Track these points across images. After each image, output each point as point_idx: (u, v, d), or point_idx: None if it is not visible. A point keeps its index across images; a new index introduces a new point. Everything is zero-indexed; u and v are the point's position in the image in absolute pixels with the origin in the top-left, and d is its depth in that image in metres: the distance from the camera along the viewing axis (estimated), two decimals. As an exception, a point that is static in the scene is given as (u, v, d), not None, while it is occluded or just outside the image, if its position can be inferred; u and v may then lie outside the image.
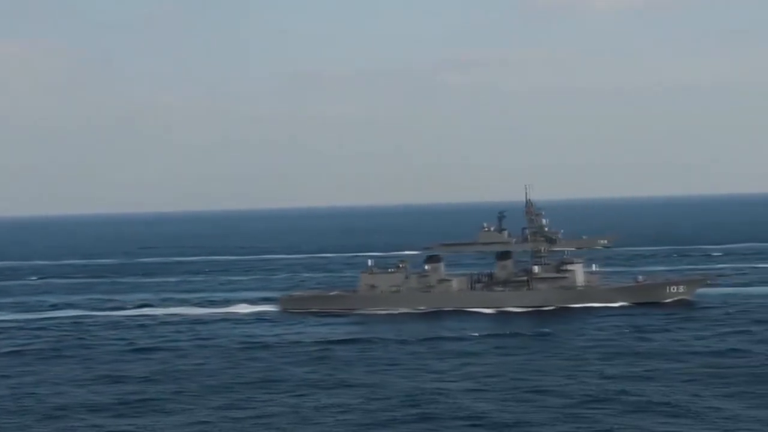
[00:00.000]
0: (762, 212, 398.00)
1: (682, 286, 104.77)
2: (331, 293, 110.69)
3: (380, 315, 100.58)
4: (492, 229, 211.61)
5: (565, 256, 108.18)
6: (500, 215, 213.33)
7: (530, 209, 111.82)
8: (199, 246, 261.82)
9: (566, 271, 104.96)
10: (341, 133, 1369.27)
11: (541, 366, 64.94)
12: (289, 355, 72.68)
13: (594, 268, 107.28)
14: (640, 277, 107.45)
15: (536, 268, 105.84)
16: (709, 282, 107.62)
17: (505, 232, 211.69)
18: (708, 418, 49.10)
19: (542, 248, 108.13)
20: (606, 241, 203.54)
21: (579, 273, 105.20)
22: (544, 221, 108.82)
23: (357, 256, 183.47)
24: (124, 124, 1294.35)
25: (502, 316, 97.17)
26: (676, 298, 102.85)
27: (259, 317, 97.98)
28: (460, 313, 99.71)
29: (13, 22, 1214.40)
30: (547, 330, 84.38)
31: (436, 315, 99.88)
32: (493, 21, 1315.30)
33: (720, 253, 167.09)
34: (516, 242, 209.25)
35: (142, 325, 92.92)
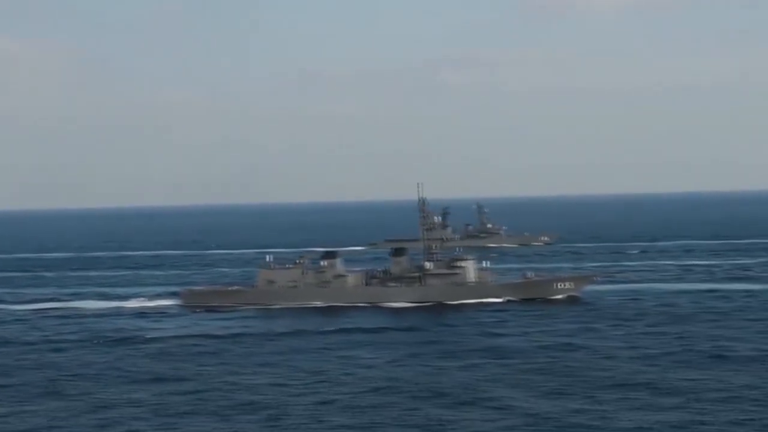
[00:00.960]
0: (732, 210, 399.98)
1: (569, 283, 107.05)
2: (231, 288, 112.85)
3: (274, 310, 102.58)
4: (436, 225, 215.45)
5: (456, 253, 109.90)
6: (444, 212, 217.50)
7: (423, 208, 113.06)
8: (156, 241, 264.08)
9: (457, 267, 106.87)
10: (341, 132, 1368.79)
11: (362, 363, 66.77)
12: (134, 350, 74.74)
13: (485, 264, 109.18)
14: (529, 274, 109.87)
15: (428, 265, 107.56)
16: (596, 279, 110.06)
17: (449, 228, 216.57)
18: (472, 407, 51.66)
19: (434, 245, 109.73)
20: (547, 238, 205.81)
21: (470, 269, 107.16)
22: (436, 219, 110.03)
23: (301, 251, 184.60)
24: (125, 123, 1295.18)
25: (385, 311, 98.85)
26: (564, 295, 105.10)
27: (142, 312, 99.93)
28: (350, 309, 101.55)
29: (14, 22, 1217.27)
30: (410, 325, 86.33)
31: (326, 310, 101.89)
32: (493, 20, 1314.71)
33: (636, 251, 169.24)
34: (459, 238, 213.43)
35: (23, 320, 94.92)
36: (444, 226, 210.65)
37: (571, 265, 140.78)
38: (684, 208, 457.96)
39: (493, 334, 79.01)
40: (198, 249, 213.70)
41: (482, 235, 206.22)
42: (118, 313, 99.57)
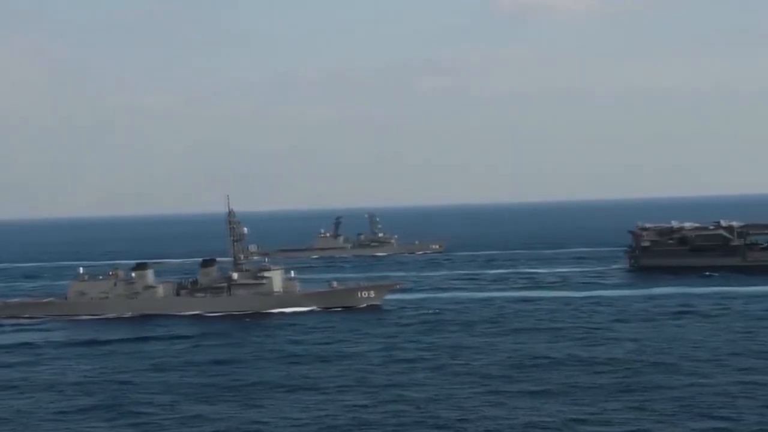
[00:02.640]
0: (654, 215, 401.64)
1: (371, 291, 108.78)
2: (44, 300, 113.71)
3: (80, 321, 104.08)
4: (328, 234, 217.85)
5: (263, 264, 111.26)
6: (337, 221, 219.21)
7: (231, 219, 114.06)
8: (64, 251, 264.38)
9: (263, 277, 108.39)
10: (317, 135, 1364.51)
11: (40, 369, 68.19)
12: None
13: (292, 274, 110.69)
14: (335, 283, 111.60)
15: (235, 275, 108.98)
16: (398, 286, 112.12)
17: (341, 238, 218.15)
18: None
19: (241, 256, 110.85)
20: (437, 246, 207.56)
21: (276, 279, 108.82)
22: (245, 230, 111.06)
23: (187, 261, 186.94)
24: (101, 126, 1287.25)
25: (168, 322, 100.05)
26: (367, 303, 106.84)
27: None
28: (153, 318, 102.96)
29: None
30: (188, 334, 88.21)
31: (126, 320, 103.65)
32: (468, 23, 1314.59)
33: (504, 260, 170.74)
34: (351, 247, 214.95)
35: None
36: (336, 236, 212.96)
37: (418, 273, 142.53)
38: (606, 215, 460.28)
39: (236, 344, 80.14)
40: (78, 260, 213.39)
41: (373, 244, 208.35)
42: None
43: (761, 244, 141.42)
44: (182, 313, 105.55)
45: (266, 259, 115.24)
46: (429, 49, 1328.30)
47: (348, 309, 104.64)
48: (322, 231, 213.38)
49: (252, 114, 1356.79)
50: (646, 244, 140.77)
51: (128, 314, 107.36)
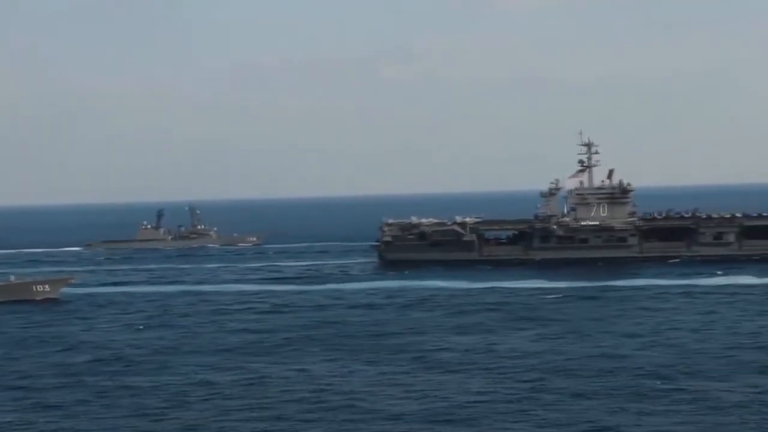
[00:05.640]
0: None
1: (46, 285, 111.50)
2: None
3: None
4: (150, 226, 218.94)
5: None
6: (159, 213, 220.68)
7: None
8: None
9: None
10: (276, 125, 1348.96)
11: None
12: None
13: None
14: (12, 277, 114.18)
15: None
16: (71, 281, 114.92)
17: (161, 230, 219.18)
18: None
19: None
20: (255, 239, 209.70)
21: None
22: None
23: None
24: (59, 115, 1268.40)
25: None
26: (44, 297, 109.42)
27: None
28: None
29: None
30: None
31: None
32: (431, 9, 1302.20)
33: (308, 252, 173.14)
34: (172, 239, 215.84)
35: None
36: (157, 228, 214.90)
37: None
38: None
39: None
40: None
41: (193, 236, 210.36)
42: None
43: (501, 239, 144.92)
44: None
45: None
46: (398, 36, 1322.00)
47: (25, 302, 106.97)
48: (145, 223, 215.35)
49: (213, 104, 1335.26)
50: (389, 239, 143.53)
51: None
